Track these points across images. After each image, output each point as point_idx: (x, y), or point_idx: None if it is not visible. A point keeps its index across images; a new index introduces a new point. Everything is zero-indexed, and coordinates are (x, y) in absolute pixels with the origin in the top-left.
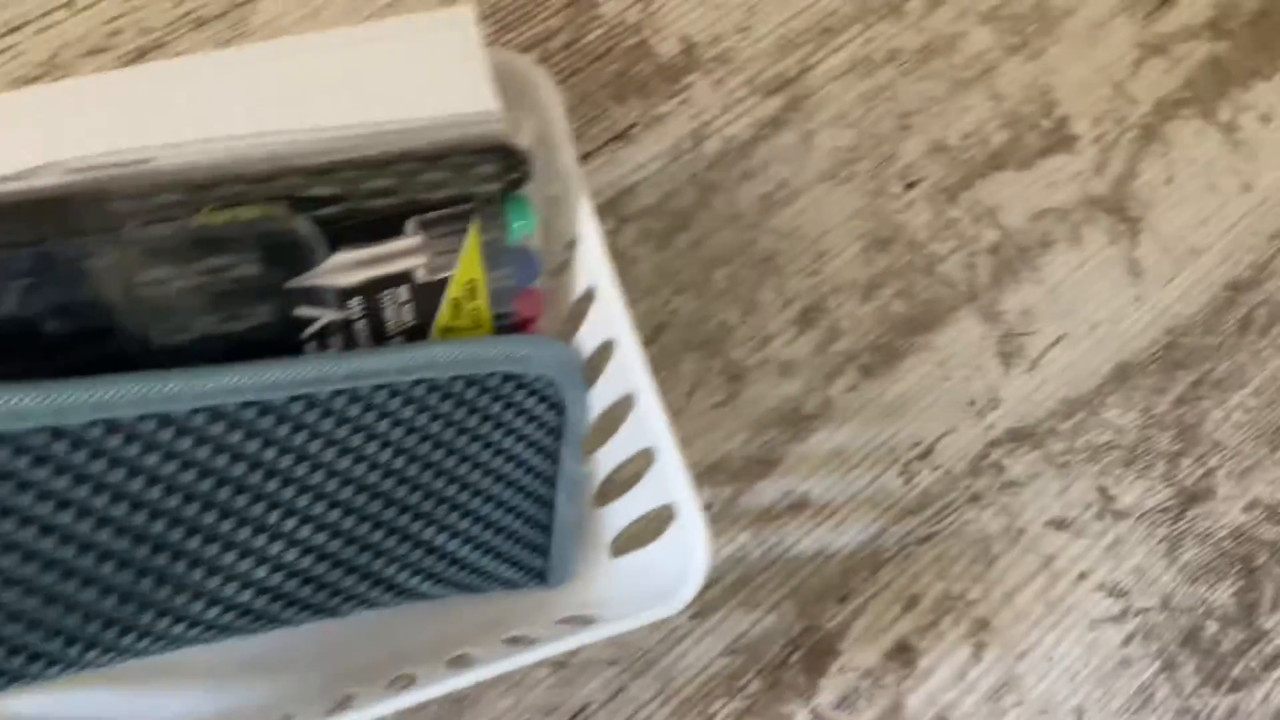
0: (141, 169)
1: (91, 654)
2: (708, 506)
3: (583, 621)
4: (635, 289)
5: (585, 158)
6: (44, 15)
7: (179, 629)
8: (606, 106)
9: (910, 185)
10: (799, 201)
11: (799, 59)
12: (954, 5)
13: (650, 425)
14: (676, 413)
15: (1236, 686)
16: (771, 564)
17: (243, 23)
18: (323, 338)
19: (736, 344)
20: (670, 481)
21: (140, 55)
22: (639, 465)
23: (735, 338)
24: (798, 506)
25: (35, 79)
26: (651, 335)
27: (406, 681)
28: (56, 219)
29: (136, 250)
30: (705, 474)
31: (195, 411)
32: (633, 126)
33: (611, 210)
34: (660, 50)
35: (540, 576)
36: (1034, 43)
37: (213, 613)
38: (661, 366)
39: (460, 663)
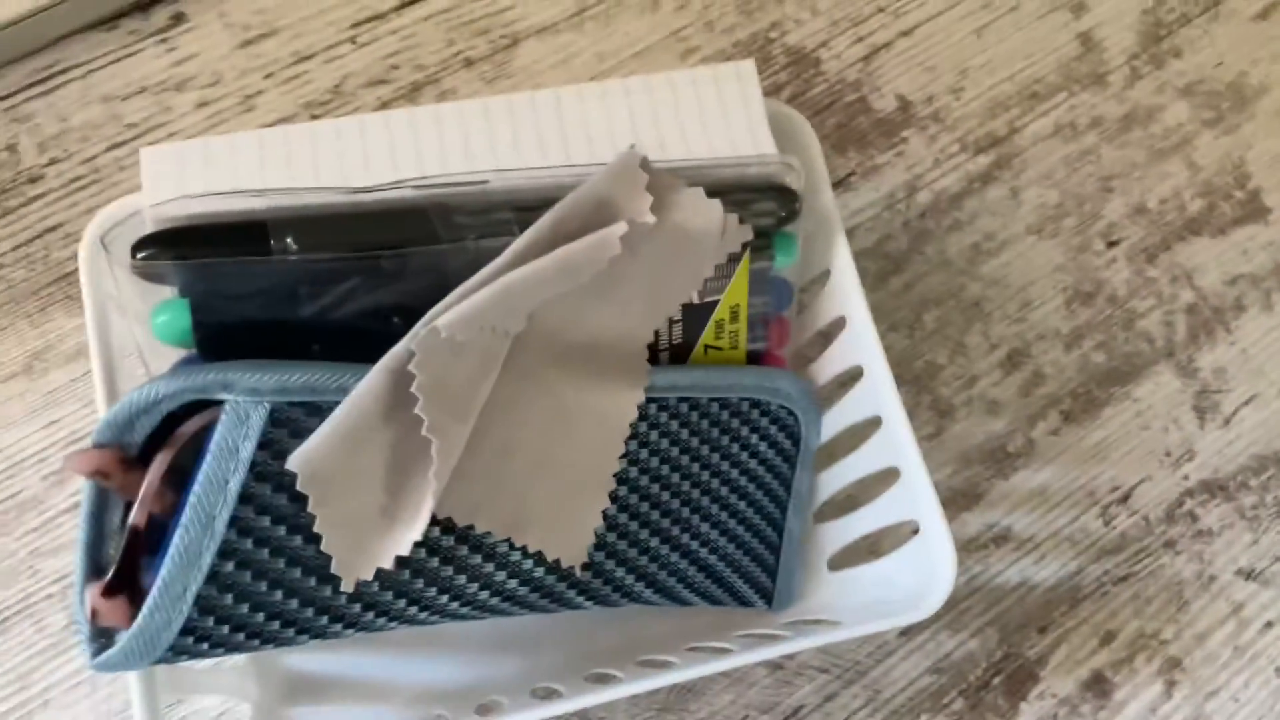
0: (476, 190)
1: (379, 619)
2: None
3: (811, 626)
4: None
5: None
6: (331, 47)
7: (482, 595)
8: (827, 156)
9: (1112, 244)
10: (1005, 253)
11: (1007, 120)
12: (1154, 79)
13: (898, 445)
14: None
15: None
16: (975, 591)
17: (506, 65)
18: None
19: (944, 382)
20: (917, 499)
21: (415, 89)
22: (876, 485)
23: (943, 376)
24: (1001, 539)
25: (322, 104)
26: None
27: (646, 665)
28: (411, 228)
29: (476, 258)
30: None
31: None
32: (851, 175)
33: None
34: (878, 106)
35: (767, 597)
36: (1228, 118)
37: (511, 585)
38: None
39: (694, 653)
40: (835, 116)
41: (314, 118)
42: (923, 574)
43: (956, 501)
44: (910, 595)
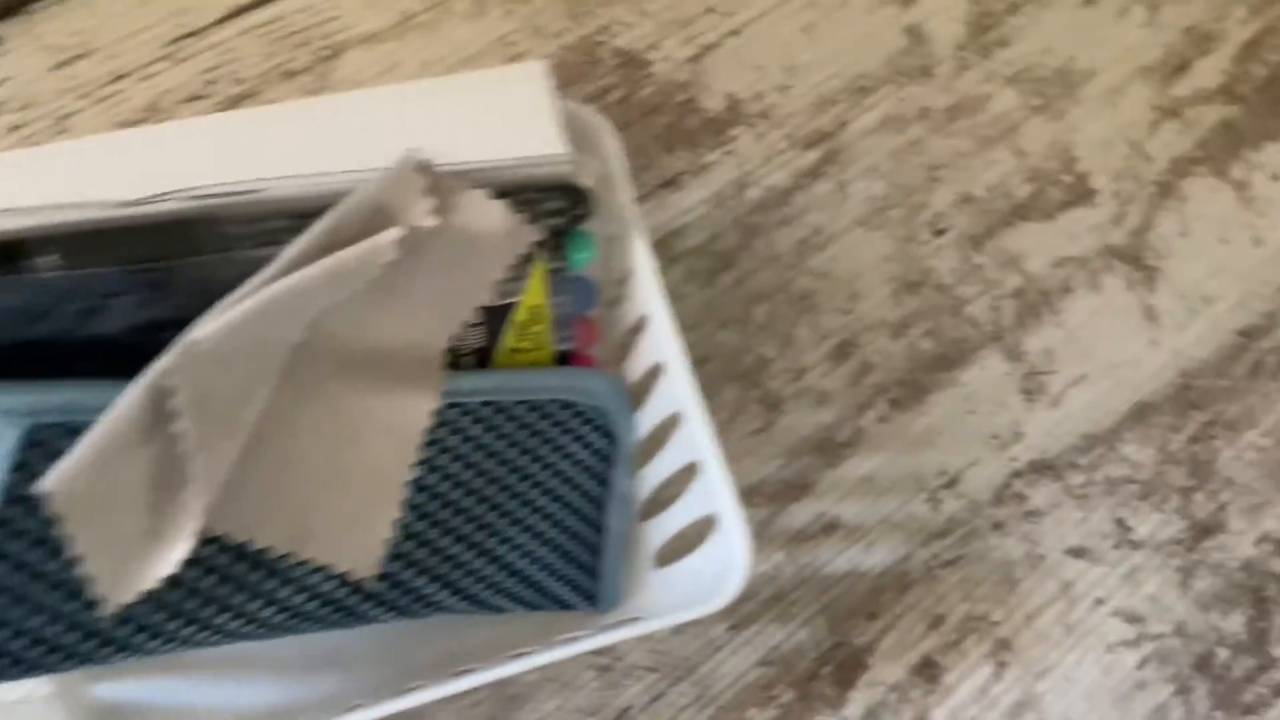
0: (252, 198)
1: (156, 643)
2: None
3: (629, 623)
4: (681, 323)
5: (637, 201)
6: (147, 65)
7: (267, 613)
8: (657, 156)
9: (939, 233)
10: (834, 246)
11: (835, 116)
12: (981, 69)
13: (696, 440)
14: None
15: (1248, 711)
16: (804, 582)
17: (327, 75)
18: None
19: (774, 375)
20: (714, 492)
21: (234, 103)
22: (684, 480)
23: (773, 369)
24: (830, 529)
25: (137, 123)
26: (695, 366)
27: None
28: (178, 240)
29: (245, 268)
30: (743, 496)
31: None
32: (681, 174)
33: (661, 250)
34: (707, 106)
35: (590, 599)
36: (1055, 104)
37: (298, 601)
38: (704, 396)
39: (513, 659)
40: (665, 117)
41: None
42: (724, 566)
43: (786, 494)
44: (714, 588)
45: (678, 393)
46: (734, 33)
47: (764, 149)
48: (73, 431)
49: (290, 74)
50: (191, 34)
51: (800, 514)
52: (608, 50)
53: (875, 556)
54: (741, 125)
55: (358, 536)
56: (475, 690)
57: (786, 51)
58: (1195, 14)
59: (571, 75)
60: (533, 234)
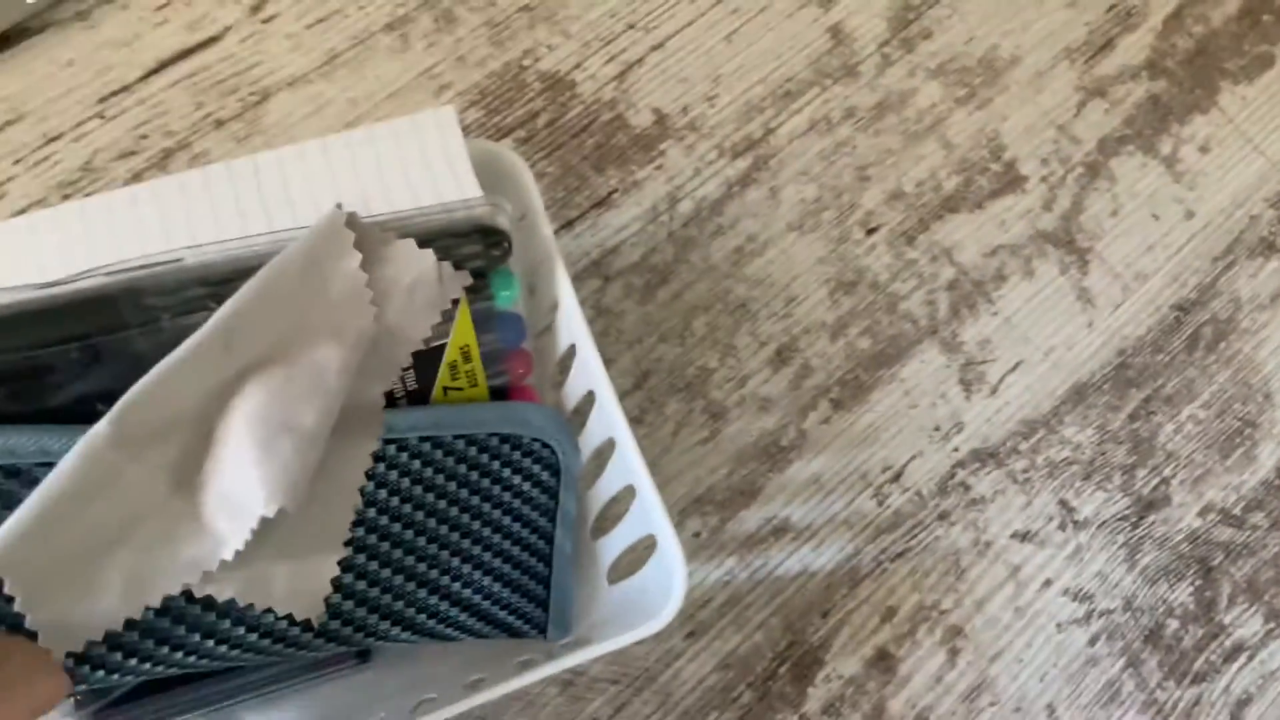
0: (171, 268)
1: (107, 675)
2: (696, 535)
3: (582, 643)
4: (621, 340)
5: (571, 224)
6: (79, 125)
7: (219, 649)
8: (588, 176)
9: (871, 231)
10: (768, 252)
11: (762, 122)
12: (905, 64)
13: (630, 465)
14: (664, 450)
15: (1199, 679)
16: (758, 585)
17: (257, 121)
18: None
19: (717, 385)
20: (650, 514)
21: (166, 156)
22: (627, 499)
23: (715, 379)
24: (780, 531)
25: (73, 183)
26: (638, 381)
27: (429, 705)
28: (103, 315)
29: (171, 337)
30: (693, 505)
31: None
32: (613, 193)
33: (597, 269)
34: (634, 122)
35: (541, 629)
36: (981, 93)
37: (250, 638)
38: (649, 410)
39: (476, 686)
40: (594, 137)
41: (65, 198)
42: (664, 585)
43: (735, 500)
44: (659, 604)
45: (609, 420)
46: (657, 47)
47: (694, 161)
48: (11, 474)
49: (220, 122)
50: (120, 90)
51: (750, 519)
52: (533, 74)
53: (825, 555)
54: (670, 139)
55: (304, 580)
56: None
57: (710, 62)
58: None
59: (499, 103)
60: (463, 279)
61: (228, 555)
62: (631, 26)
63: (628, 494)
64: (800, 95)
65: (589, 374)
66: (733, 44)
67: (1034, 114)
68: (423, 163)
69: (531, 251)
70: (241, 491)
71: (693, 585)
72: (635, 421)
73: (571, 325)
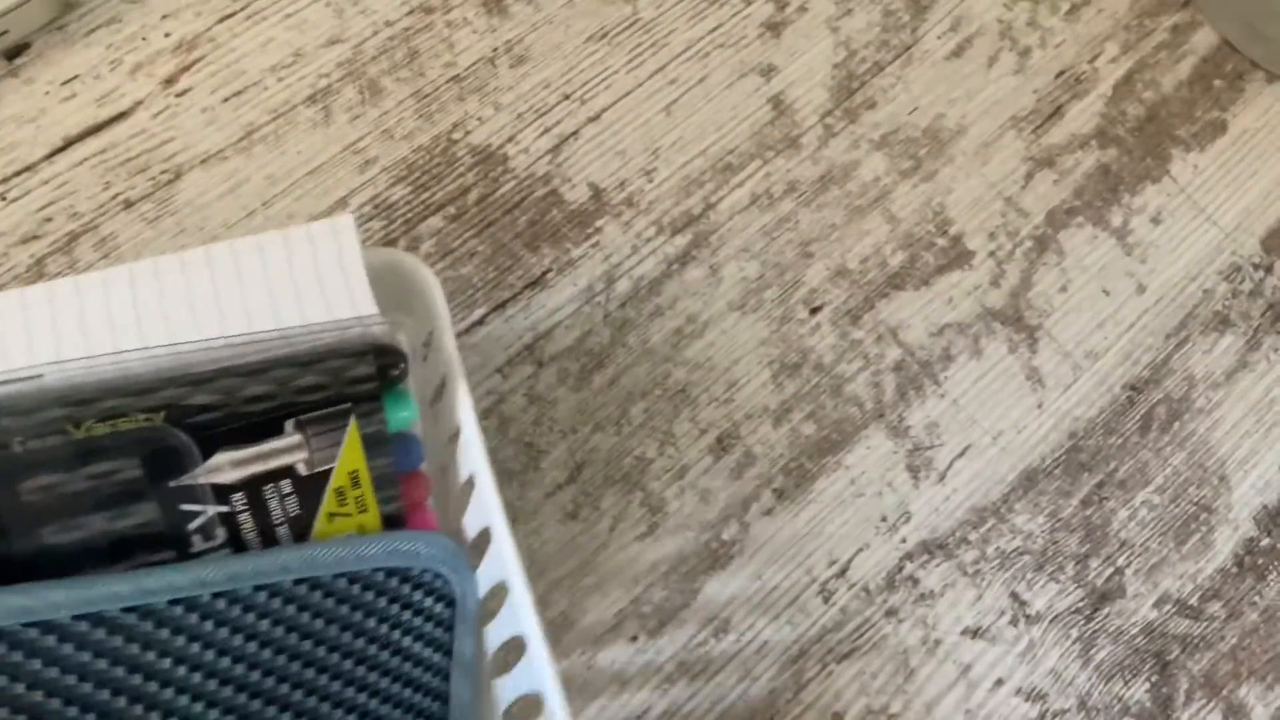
0: (30, 386)
1: None
2: (633, 638)
3: None
4: (555, 429)
5: (503, 305)
6: None
7: None
8: (521, 255)
9: (815, 310)
10: (709, 333)
11: (702, 197)
12: (847, 135)
13: (521, 617)
14: (600, 546)
15: None
16: (697, 693)
17: (169, 201)
18: (207, 530)
19: (655, 475)
20: (538, 673)
21: (72, 239)
22: (519, 649)
23: (653, 470)
24: (721, 632)
25: None
26: (573, 474)
27: None
28: None
29: (23, 463)
30: (630, 606)
31: (78, 618)
32: (547, 272)
33: (530, 354)
34: (569, 198)
35: None
36: (926, 165)
37: None
38: (583, 503)
39: None
40: (527, 213)
41: None
42: None
43: (674, 599)
44: None
45: (504, 563)
46: (593, 119)
47: (631, 238)
48: None
49: (129, 203)
50: (23, 170)
51: (690, 620)
52: (463, 147)
53: (768, 659)
54: (607, 215)
55: None
56: None
57: (648, 134)
58: (1066, 57)
59: (427, 178)
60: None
61: None
62: (567, 98)
63: (518, 644)
64: (741, 169)
65: (486, 510)
66: (672, 115)
67: (981, 186)
68: (316, 276)
69: (438, 368)
70: None
71: (632, 690)
72: (570, 517)
73: (471, 455)
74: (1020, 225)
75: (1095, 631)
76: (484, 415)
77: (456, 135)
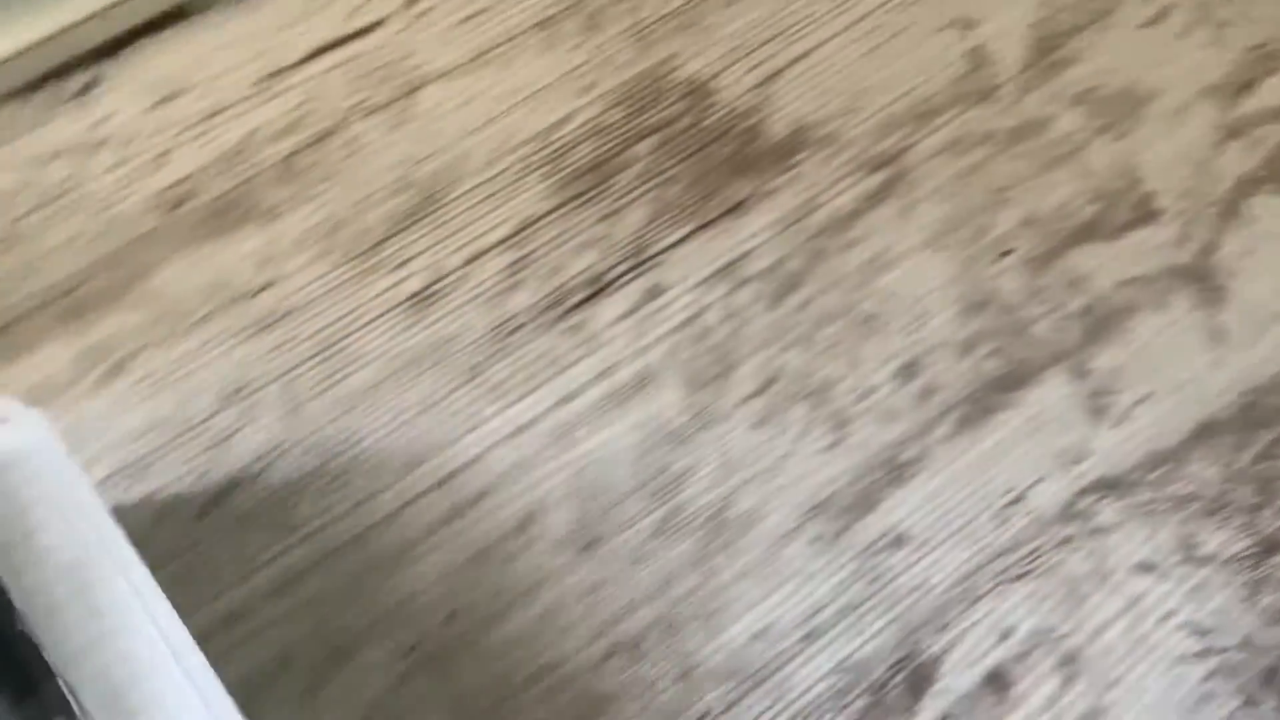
0: None
1: None
2: (814, 539)
3: None
4: (748, 344)
5: (705, 226)
6: (238, 103)
7: None
8: (724, 181)
9: (1004, 253)
10: (899, 267)
11: (899, 139)
12: (1045, 90)
13: None
14: (785, 456)
15: None
16: (875, 594)
17: (409, 109)
18: None
19: (841, 394)
20: None
21: (321, 139)
22: None
23: (840, 388)
24: (899, 542)
25: (235, 155)
26: (763, 385)
27: None
28: None
29: None
30: (813, 510)
31: None
32: (748, 199)
33: (728, 273)
34: (773, 131)
35: None
36: (1119, 125)
37: None
38: (772, 415)
39: None
40: (731, 144)
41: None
42: None
43: (856, 508)
44: None
45: None
46: (799, 58)
47: (829, 173)
48: None
49: (373, 109)
50: (278, 71)
51: (870, 528)
52: (674, 80)
53: (943, 571)
54: (807, 150)
55: None
56: None
57: (851, 76)
58: (1260, 33)
59: (642, 103)
60: None
61: None
62: (776, 36)
63: None
64: (938, 115)
65: None
66: (873, 60)
67: (1171, 149)
68: None
69: None
70: None
71: (814, 584)
72: (759, 424)
73: None
74: (1209, 189)
75: (1263, 578)
76: (683, 325)
77: (668, 67)
